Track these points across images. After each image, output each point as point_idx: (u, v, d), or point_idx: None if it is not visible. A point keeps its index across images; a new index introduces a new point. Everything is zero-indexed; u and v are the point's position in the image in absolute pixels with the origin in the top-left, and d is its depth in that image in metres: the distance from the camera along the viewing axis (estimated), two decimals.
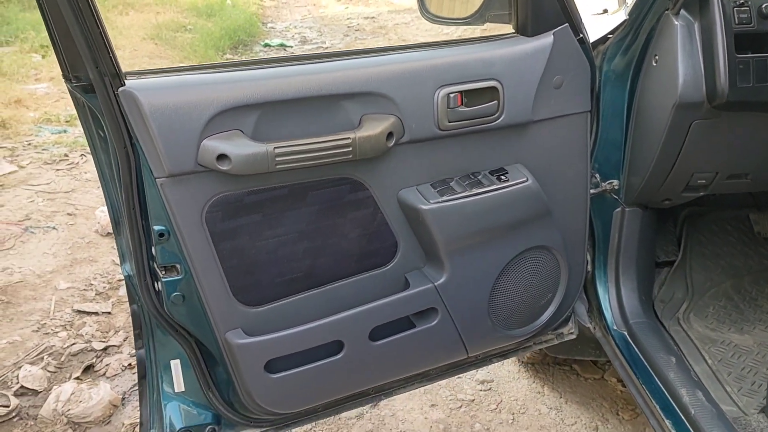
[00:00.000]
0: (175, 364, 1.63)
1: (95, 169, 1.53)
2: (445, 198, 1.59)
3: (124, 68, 1.32)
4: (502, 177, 1.66)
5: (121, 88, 1.30)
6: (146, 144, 1.34)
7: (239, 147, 1.37)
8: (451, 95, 1.55)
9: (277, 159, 1.40)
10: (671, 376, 1.74)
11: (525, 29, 1.63)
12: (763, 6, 1.61)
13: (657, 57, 1.73)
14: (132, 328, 1.65)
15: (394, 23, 10.48)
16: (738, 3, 1.62)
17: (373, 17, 10.99)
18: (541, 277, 1.79)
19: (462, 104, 1.56)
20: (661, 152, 1.76)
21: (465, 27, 2.02)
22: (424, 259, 1.69)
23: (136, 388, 2.75)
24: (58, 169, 4.74)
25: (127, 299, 3.41)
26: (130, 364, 2.92)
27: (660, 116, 1.72)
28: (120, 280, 3.54)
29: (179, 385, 1.63)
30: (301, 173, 1.47)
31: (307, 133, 1.45)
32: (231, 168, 1.37)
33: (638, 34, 1.76)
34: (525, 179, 1.66)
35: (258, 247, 1.51)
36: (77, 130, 5.51)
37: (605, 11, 2.43)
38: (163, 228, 1.42)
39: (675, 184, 1.85)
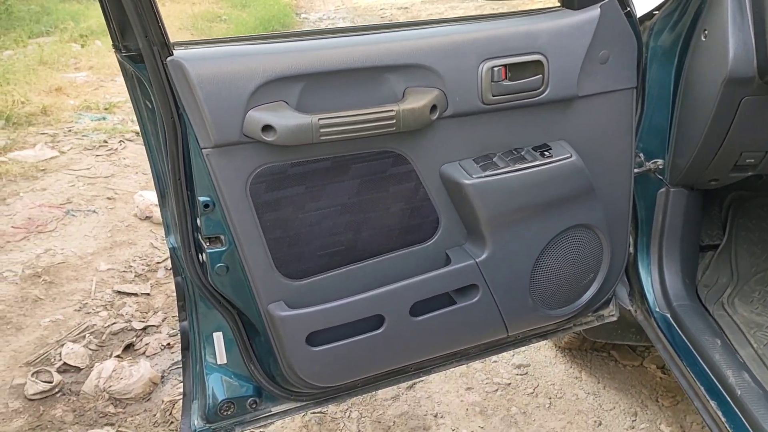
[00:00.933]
0: (218, 336, 1.65)
1: (141, 139, 1.54)
2: (488, 173, 1.58)
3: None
4: (546, 153, 1.64)
5: (169, 58, 1.31)
6: (193, 114, 1.35)
7: (284, 118, 1.38)
8: (496, 69, 1.53)
9: (321, 130, 1.40)
10: (716, 357, 1.71)
11: (571, 2, 1.60)
12: None
13: (706, 32, 1.69)
14: (176, 300, 1.66)
15: (428, 13, 10.44)
16: None
17: (406, 7, 10.96)
18: (584, 256, 1.77)
19: (506, 78, 1.55)
20: (709, 130, 1.72)
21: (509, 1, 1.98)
22: (465, 235, 1.68)
23: (175, 367, 2.80)
24: (97, 155, 4.81)
25: (164, 281, 3.47)
26: (168, 344, 2.96)
27: (709, 92, 1.69)
28: (158, 263, 3.59)
29: (221, 357, 1.65)
30: (345, 145, 1.47)
31: (351, 105, 1.45)
32: (276, 139, 1.37)
33: (687, 9, 1.73)
34: (569, 155, 1.64)
35: (301, 220, 1.51)
36: (116, 118, 5.60)
37: None
38: (208, 199, 1.44)
39: (723, 164, 1.81)
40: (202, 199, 1.43)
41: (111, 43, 1.38)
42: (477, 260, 1.64)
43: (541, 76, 1.57)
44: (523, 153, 1.63)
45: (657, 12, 1.79)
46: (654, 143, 1.88)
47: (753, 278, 2.15)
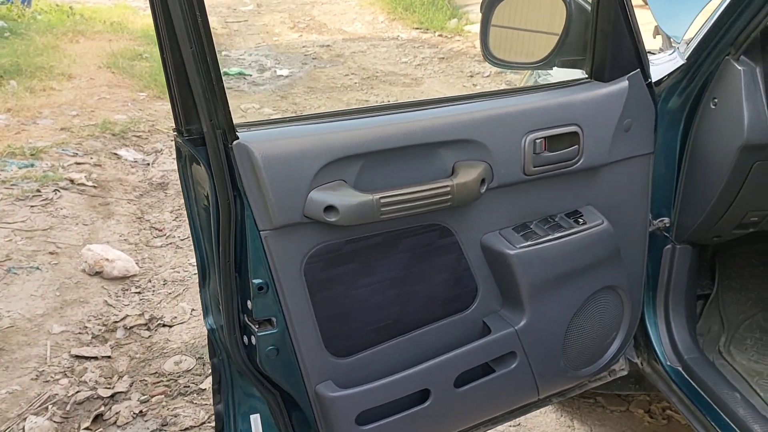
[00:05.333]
0: (255, 419, 1.58)
1: (187, 221, 1.47)
2: (530, 242, 1.60)
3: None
4: (579, 220, 1.68)
5: (235, 142, 1.26)
6: (254, 196, 1.31)
7: (347, 198, 1.35)
8: (537, 141, 1.56)
9: (382, 209, 1.38)
10: (740, 412, 1.77)
11: (601, 74, 1.66)
12: None
13: (716, 100, 1.79)
14: (211, 383, 1.58)
15: (351, 51, 10.51)
16: None
17: (328, 45, 11.00)
18: (609, 316, 1.82)
19: (546, 149, 1.58)
20: (722, 192, 1.81)
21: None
22: (500, 302, 1.69)
23: None
24: (32, 206, 4.53)
25: (125, 342, 3.29)
26: (141, 411, 2.80)
27: (722, 157, 1.78)
28: (116, 322, 3.40)
29: None
30: (398, 221, 1.46)
31: (405, 181, 1.44)
32: (339, 219, 1.35)
33: (695, 77, 1.82)
34: (601, 221, 1.69)
35: (351, 296, 1.48)
36: (45, 164, 5.31)
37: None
38: (262, 281, 1.38)
39: (729, 222, 1.91)
40: (256, 281, 1.38)
41: (173, 126, 1.32)
42: (516, 327, 1.65)
43: (577, 146, 1.61)
44: (558, 220, 1.67)
45: (666, 78, 1.87)
46: (660, 203, 1.96)
47: (742, 325, 2.26)
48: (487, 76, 8.12)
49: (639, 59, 1.66)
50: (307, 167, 1.32)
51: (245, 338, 1.46)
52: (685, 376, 1.95)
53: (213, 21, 12.74)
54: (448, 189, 1.45)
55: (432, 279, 1.58)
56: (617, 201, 1.77)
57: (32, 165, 5.25)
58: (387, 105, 1.50)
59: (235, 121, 1.30)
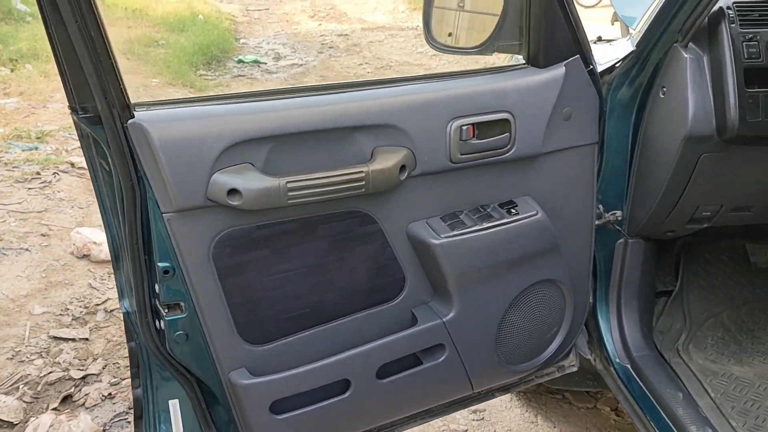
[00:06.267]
0: (174, 405, 1.56)
1: (96, 201, 1.46)
2: (456, 232, 1.55)
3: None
4: (512, 210, 1.63)
5: (130, 121, 1.24)
6: (154, 178, 1.28)
7: (251, 181, 1.32)
8: (464, 127, 1.51)
9: (289, 194, 1.35)
10: (680, 412, 1.72)
11: (537, 60, 1.60)
12: None
13: (665, 89, 1.72)
14: (129, 366, 1.58)
15: (368, 41, 10.48)
16: (747, 37, 1.63)
17: (346, 34, 10.98)
18: (548, 311, 1.76)
19: (474, 136, 1.53)
20: (668, 184, 1.75)
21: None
22: (431, 293, 1.65)
23: (117, 419, 2.66)
24: (30, 188, 4.59)
25: (104, 324, 3.32)
26: (110, 394, 2.82)
27: (668, 148, 1.71)
28: (97, 305, 3.43)
29: (177, 426, 1.56)
30: (312, 207, 1.42)
31: (319, 166, 1.40)
32: (242, 203, 1.32)
33: (645, 66, 1.75)
34: (535, 212, 1.63)
35: (265, 283, 1.46)
36: (49, 147, 5.38)
37: (599, 38, 2.42)
38: (168, 265, 1.36)
39: (680, 216, 1.84)
40: (161, 265, 1.36)
41: (67, 103, 1.30)
42: (444, 319, 1.61)
43: (508, 134, 1.56)
44: (489, 210, 1.62)
45: (617, 65, 1.81)
46: (612, 195, 1.90)
47: (705, 323, 2.19)
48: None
49: (578, 45, 1.60)
50: (208, 149, 1.29)
51: (157, 323, 1.45)
52: (632, 374, 1.89)
53: (234, 9, 12.82)
54: (363, 175, 1.41)
55: (355, 268, 1.55)
56: (559, 192, 1.72)
57: (36, 148, 5.32)
58: (299, 87, 1.46)
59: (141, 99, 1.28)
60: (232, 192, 1.31)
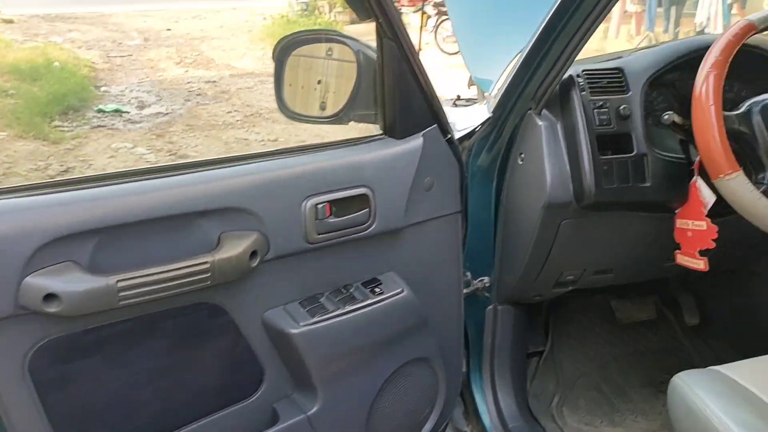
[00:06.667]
0: None
1: None
2: (316, 319, 1.43)
3: None
4: (376, 289, 1.53)
5: None
6: None
7: (72, 283, 1.15)
8: (320, 206, 1.41)
9: (120, 294, 1.18)
10: None
11: (393, 131, 1.53)
12: (621, 108, 1.62)
13: (522, 155, 1.70)
14: None
15: (237, 87, 10.29)
16: (597, 104, 1.63)
17: (214, 81, 10.74)
18: (420, 391, 1.67)
19: (331, 214, 1.43)
20: (532, 251, 1.72)
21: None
22: (293, 385, 1.51)
23: None
24: None
25: None
26: None
27: (529, 216, 1.69)
28: None
29: None
30: (150, 305, 1.26)
31: (157, 259, 1.25)
32: (62, 309, 1.14)
33: (502, 132, 1.73)
34: (400, 290, 1.54)
35: (97, 395, 1.27)
36: None
37: (458, 97, 2.41)
38: None
39: (546, 281, 1.82)
40: None
41: None
42: (308, 414, 1.48)
43: (367, 210, 1.47)
44: (352, 291, 1.52)
45: (477, 130, 1.78)
46: (479, 262, 1.86)
47: (577, 382, 2.18)
48: None
49: (435, 114, 1.55)
50: (17, 250, 1.11)
51: None
52: None
53: (94, 55, 12.26)
54: (207, 266, 1.27)
55: (205, 365, 1.39)
56: (425, 263, 1.64)
57: None
58: (133, 170, 1.30)
59: None
60: (49, 297, 1.13)
